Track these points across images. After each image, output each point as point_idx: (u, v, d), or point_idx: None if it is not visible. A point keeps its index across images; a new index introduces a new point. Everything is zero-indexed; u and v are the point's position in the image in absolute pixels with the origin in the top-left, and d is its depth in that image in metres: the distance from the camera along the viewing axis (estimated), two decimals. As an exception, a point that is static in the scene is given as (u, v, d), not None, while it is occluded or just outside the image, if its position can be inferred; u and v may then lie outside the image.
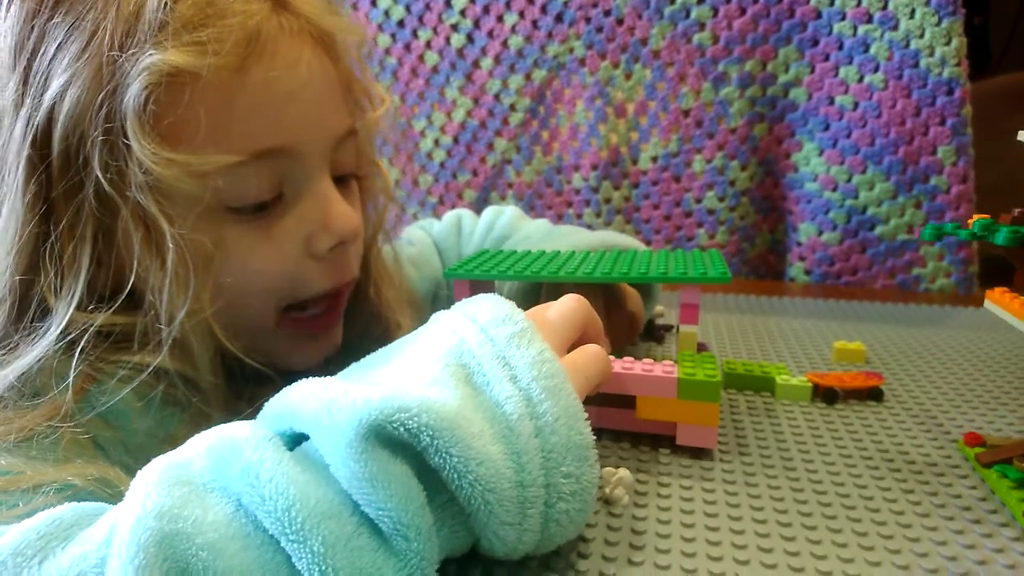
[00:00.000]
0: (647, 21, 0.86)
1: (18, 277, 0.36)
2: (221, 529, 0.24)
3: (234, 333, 0.39)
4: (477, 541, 0.28)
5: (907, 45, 0.78)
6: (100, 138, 0.35)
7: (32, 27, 0.36)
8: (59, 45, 0.35)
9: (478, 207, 0.97)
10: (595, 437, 0.29)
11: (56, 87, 0.35)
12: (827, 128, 0.83)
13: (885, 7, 0.78)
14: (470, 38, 0.92)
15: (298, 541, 0.23)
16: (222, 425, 0.27)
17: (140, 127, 0.34)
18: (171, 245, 0.36)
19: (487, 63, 0.92)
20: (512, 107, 0.93)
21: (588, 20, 0.88)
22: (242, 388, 0.41)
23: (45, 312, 0.36)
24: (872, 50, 0.79)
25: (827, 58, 0.82)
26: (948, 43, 0.76)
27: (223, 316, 0.38)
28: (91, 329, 0.35)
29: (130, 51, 0.34)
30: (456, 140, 0.96)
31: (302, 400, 0.27)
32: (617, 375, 0.38)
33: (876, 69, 0.79)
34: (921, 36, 0.77)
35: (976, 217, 0.33)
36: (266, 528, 0.24)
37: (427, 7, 0.93)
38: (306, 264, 0.41)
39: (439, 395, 0.27)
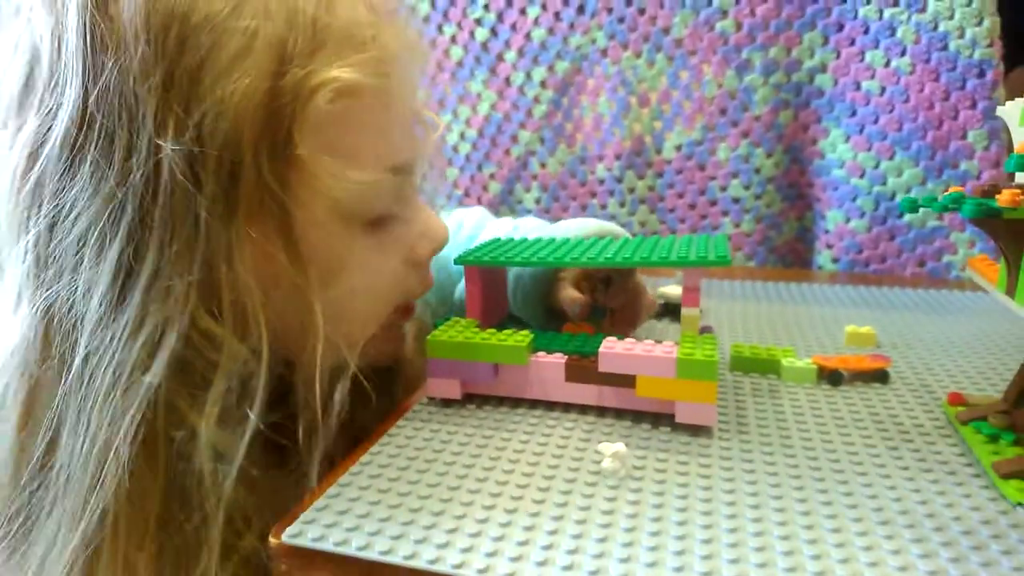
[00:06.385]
0: (669, 10, 0.86)
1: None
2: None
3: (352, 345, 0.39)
4: None
5: (935, 27, 0.76)
6: (267, 158, 0.33)
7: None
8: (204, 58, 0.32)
9: (503, 199, 0.98)
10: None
11: (209, 105, 0.32)
12: (854, 114, 0.82)
13: (913, -11, 0.77)
14: (493, 31, 0.94)
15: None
16: None
17: (317, 143, 0.35)
18: (354, 264, 0.38)
19: (511, 56, 0.94)
20: (536, 99, 0.94)
21: (610, 10, 0.89)
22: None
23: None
24: (899, 33, 0.78)
25: (853, 43, 0.81)
26: (979, 23, 0.74)
27: (347, 330, 0.39)
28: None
29: (295, 67, 0.34)
30: (481, 133, 0.98)
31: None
32: (618, 355, 0.39)
33: (903, 53, 0.78)
34: (951, 17, 0.75)
35: (951, 190, 0.33)
36: None
37: (451, 2, 0.95)
38: (408, 272, 0.44)
39: None
